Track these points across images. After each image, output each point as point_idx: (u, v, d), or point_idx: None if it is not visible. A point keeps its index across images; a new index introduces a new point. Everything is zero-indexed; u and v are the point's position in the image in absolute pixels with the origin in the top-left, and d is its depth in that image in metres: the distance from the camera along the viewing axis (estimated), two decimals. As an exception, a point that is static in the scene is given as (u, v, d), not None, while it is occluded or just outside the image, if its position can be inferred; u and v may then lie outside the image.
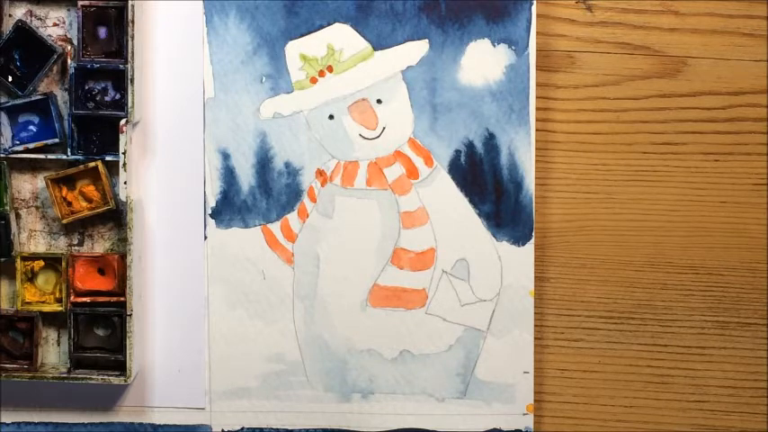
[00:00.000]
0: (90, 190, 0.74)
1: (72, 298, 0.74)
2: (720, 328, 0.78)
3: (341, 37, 0.74)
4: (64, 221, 0.74)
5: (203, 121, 0.75)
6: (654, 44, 0.76)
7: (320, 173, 0.75)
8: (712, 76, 0.76)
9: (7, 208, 0.74)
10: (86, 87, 0.74)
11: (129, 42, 0.72)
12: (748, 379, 0.78)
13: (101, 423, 0.76)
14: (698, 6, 0.76)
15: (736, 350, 0.78)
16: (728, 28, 0.76)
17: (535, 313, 0.76)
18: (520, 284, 0.76)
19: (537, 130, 0.75)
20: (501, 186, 0.75)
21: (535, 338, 0.76)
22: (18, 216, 0.75)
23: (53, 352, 0.76)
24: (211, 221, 0.75)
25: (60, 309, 0.74)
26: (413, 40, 0.74)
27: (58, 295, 0.74)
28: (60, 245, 0.75)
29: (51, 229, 0.75)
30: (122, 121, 0.72)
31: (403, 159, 0.75)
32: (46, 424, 0.76)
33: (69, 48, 0.74)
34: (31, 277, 0.74)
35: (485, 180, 0.75)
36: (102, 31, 0.73)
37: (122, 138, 0.72)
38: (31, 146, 0.74)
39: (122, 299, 0.73)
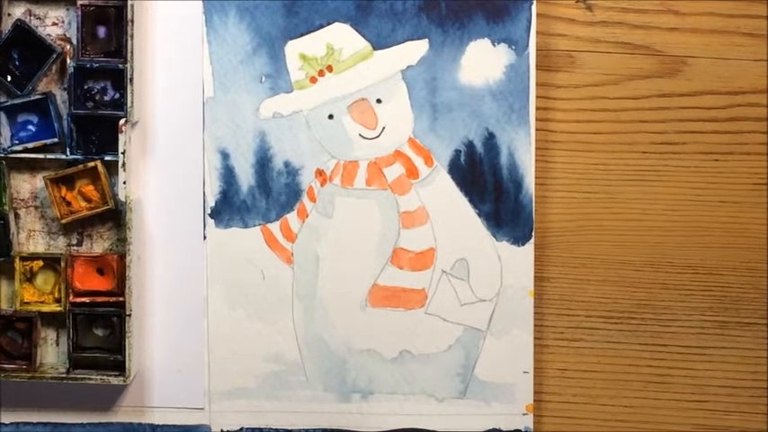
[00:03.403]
0: (89, 190, 0.74)
1: (71, 298, 0.74)
2: (720, 328, 0.78)
3: (341, 36, 0.74)
4: (63, 221, 0.74)
5: (203, 120, 0.75)
6: (654, 44, 0.76)
7: (320, 173, 0.75)
8: (712, 75, 0.76)
9: (6, 208, 0.73)
10: (85, 87, 0.74)
11: (129, 42, 0.72)
12: (748, 379, 0.78)
13: (100, 423, 0.76)
14: (698, 6, 0.76)
15: (736, 350, 0.78)
16: (728, 28, 0.76)
17: (535, 313, 0.76)
18: (519, 284, 0.76)
19: (537, 129, 0.75)
20: (501, 186, 0.75)
21: (535, 338, 0.76)
22: (17, 216, 0.75)
23: (52, 352, 0.76)
24: (211, 221, 0.75)
25: (59, 309, 0.74)
26: (413, 39, 0.74)
27: (56, 295, 0.74)
28: (59, 245, 0.75)
29: (50, 229, 0.75)
30: (122, 121, 0.72)
31: (403, 159, 0.75)
32: (45, 424, 0.76)
33: (68, 47, 0.74)
34: (29, 277, 0.74)
35: (485, 180, 0.75)
36: (102, 31, 0.73)
37: (121, 137, 0.72)
38: (30, 145, 0.73)
39: (121, 299, 0.73)
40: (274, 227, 0.75)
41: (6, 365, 0.74)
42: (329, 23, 0.74)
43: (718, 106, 0.76)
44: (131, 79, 0.72)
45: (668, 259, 0.77)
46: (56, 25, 0.74)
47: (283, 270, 0.75)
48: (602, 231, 0.77)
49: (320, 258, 0.76)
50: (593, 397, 0.78)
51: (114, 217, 0.75)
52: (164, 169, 0.75)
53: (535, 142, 0.75)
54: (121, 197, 0.72)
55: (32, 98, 0.73)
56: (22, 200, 0.75)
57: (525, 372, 0.76)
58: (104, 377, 0.73)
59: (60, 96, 0.74)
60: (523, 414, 0.76)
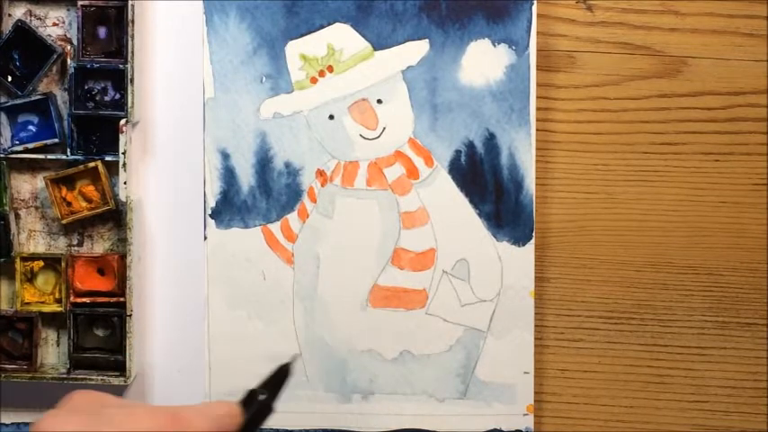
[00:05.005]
0: (90, 190, 0.74)
1: (71, 298, 0.74)
2: (720, 329, 0.78)
3: (341, 37, 0.74)
4: (63, 222, 0.74)
5: (203, 121, 0.74)
6: (654, 44, 0.76)
7: (320, 173, 0.75)
8: (712, 76, 0.76)
9: (6, 208, 0.73)
10: (86, 87, 0.74)
11: (129, 42, 0.72)
12: (748, 379, 0.78)
13: (100, 424, 0.76)
14: (698, 6, 0.76)
15: (736, 350, 0.78)
16: (728, 28, 0.76)
17: (535, 313, 0.76)
18: (520, 285, 0.76)
19: (537, 130, 0.75)
20: (501, 186, 0.75)
21: (535, 339, 0.76)
22: (17, 216, 0.75)
23: (52, 352, 0.76)
24: (211, 222, 0.75)
25: (60, 309, 0.74)
26: (413, 39, 0.74)
27: (57, 296, 0.74)
28: (60, 245, 0.75)
29: (51, 230, 0.75)
30: (122, 121, 0.72)
31: (403, 159, 0.75)
32: (45, 425, 0.76)
33: (69, 47, 0.74)
34: (30, 278, 0.74)
35: (485, 180, 0.75)
36: (102, 31, 0.73)
37: (122, 138, 0.72)
38: (30, 146, 0.73)
39: (122, 299, 0.73)
40: (275, 227, 0.75)
41: (7, 365, 0.74)
42: (330, 24, 0.74)
43: (719, 107, 0.76)
44: (132, 80, 0.72)
45: (668, 259, 0.77)
46: (56, 26, 0.74)
47: (284, 270, 0.75)
48: (602, 232, 0.77)
49: (321, 259, 0.76)
50: (593, 397, 0.78)
51: (115, 217, 0.75)
52: (164, 169, 0.75)
53: (535, 143, 0.75)
54: (122, 197, 0.72)
55: (33, 98, 0.73)
56: (23, 200, 0.75)
57: (526, 372, 0.76)
58: (105, 378, 0.73)
59: (61, 97, 0.74)
60: (524, 414, 0.76)
